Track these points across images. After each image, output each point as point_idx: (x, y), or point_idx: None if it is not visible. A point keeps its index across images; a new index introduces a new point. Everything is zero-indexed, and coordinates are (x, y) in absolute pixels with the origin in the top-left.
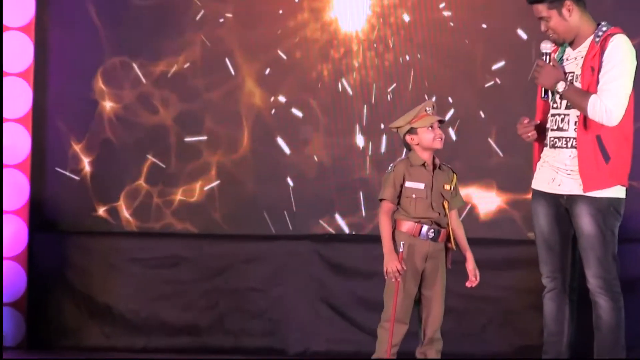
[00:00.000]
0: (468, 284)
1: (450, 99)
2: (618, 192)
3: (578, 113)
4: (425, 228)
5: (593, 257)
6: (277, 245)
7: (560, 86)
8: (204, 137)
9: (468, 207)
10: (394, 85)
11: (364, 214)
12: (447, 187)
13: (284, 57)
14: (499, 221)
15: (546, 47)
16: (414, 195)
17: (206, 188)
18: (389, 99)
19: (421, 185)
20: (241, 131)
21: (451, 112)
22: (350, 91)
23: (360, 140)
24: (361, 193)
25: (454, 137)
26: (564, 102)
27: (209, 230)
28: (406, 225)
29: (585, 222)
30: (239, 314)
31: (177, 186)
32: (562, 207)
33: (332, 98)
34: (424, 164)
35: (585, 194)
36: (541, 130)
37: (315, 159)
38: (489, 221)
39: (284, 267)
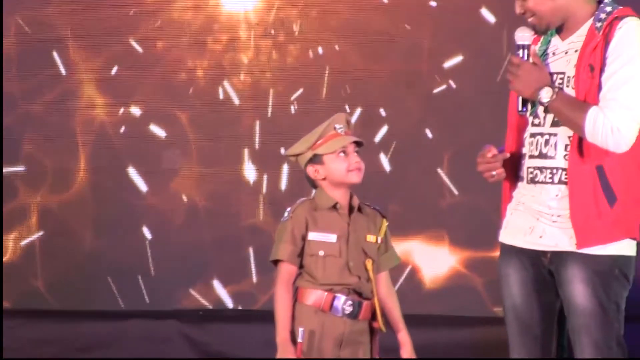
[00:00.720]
0: None
1: (382, 111)
2: (626, 248)
3: (570, 133)
4: (339, 299)
5: (589, 342)
6: (128, 327)
7: (545, 94)
8: (21, 168)
9: (407, 269)
10: (301, 90)
11: (254, 280)
12: (371, 238)
13: (139, 48)
14: (453, 290)
15: (523, 36)
16: (321, 252)
17: (23, 243)
18: (292, 110)
19: (332, 237)
20: (75, 159)
21: (384, 130)
22: (236, 100)
23: (250, 172)
24: (251, 249)
25: (387, 167)
26: (550, 116)
27: (26, 305)
28: (312, 296)
29: (579, 291)
30: None
31: None
32: (544, 269)
33: (209, 109)
34: (336, 205)
35: (578, 250)
36: (514, 164)
37: (184, 199)
38: (438, 290)
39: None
